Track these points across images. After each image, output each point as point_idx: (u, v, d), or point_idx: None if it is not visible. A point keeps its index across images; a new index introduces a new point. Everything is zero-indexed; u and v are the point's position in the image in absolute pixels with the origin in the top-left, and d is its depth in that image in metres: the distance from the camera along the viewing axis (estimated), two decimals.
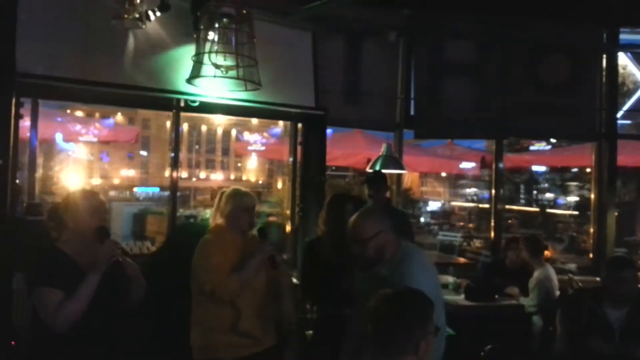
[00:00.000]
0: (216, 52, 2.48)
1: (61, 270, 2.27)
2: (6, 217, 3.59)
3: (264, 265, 2.82)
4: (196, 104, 4.45)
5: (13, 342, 3.70)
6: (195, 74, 2.48)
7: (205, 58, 2.36)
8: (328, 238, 3.27)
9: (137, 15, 3.33)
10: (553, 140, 9.87)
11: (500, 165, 6.29)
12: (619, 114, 6.40)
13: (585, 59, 6.21)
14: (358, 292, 2.58)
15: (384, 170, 5.14)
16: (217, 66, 2.42)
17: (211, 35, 2.42)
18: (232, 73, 2.37)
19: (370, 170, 5.08)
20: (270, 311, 2.91)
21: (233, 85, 2.46)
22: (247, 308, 2.77)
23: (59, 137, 8.00)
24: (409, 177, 13.31)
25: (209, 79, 2.88)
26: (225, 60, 2.48)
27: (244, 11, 2.34)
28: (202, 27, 2.48)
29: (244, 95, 4.15)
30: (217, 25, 2.40)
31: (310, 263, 3.37)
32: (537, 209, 14.19)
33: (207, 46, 2.37)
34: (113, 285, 2.37)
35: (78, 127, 8.16)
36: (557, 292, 4.84)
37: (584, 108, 6.18)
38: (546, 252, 5.30)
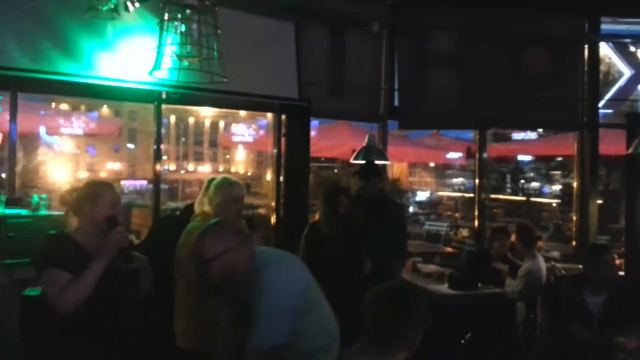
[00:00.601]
0: (178, 43, 2.46)
1: (69, 255, 2.28)
2: None
3: None
4: (177, 96, 4.43)
5: None
6: (157, 65, 2.47)
7: (170, 50, 2.35)
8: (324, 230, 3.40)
9: (112, 7, 3.29)
10: (539, 130, 9.95)
11: (484, 155, 6.33)
12: (601, 104, 6.46)
13: (567, 50, 6.25)
14: (223, 321, 2.33)
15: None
16: (179, 57, 2.41)
17: (176, 26, 2.40)
18: (196, 66, 2.36)
19: (362, 162, 5.09)
20: None
21: (198, 78, 2.46)
22: None
23: (42, 130, 7.91)
24: (398, 168, 13.34)
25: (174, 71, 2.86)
26: (188, 52, 2.46)
27: (207, 2, 2.32)
28: (166, 18, 2.47)
29: (226, 87, 4.14)
30: (179, 16, 2.39)
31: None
32: (522, 198, 14.32)
33: (170, 38, 2.36)
34: (121, 276, 2.36)
35: (62, 120, 8.08)
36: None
37: (566, 98, 6.23)
38: (539, 243, 5.31)
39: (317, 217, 3.89)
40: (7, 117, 4.41)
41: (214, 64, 2.51)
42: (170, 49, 2.44)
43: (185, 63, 2.45)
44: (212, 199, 2.88)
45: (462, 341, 3.40)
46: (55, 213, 4.40)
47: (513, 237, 5.08)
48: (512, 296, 4.71)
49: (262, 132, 11.24)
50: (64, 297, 2.18)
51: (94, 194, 2.38)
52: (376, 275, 3.36)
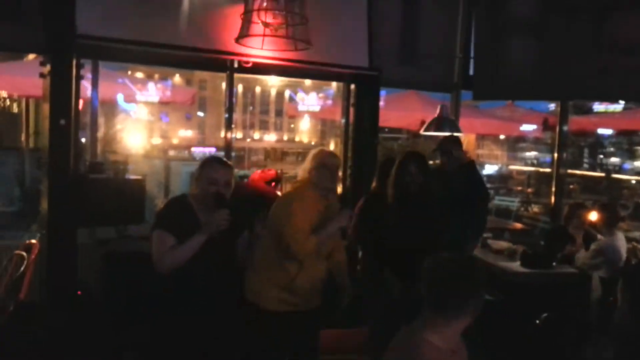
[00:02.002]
0: (265, 9, 2.42)
1: (179, 219, 2.47)
2: (69, 175, 3.74)
3: (337, 233, 2.88)
4: (249, 65, 4.45)
5: (79, 292, 3.93)
6: (244, 33, 2.44)
7: (255, 17, 2.31)
8: (392, 200, 3.30)
9: None
10: (623, 102, 9.28)
11: (565, 127, 5.99)
12: None
13: None
14: None
15: (438, 133, 5.02)
16: (266, 24, 2.36)
17: None
18: (282, 32, 2.32)
19: (434, 133, 4.96)
20: (322, 275, 2.97)
21: (283, 45, 2.42)
22: (308, 268, 2.83)
23: (120, 97, 8.23)
24: (465, 139, 12.93)
25: (258, 38, 2.83)
26: (274, 18, 2.42)
27: None
28: None
29: (296, 55, 4.11)
30: None
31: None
32: (601, 174, 13.56)
33: (257, 3, 2.32)
34: (221, 247, 2.51)
35: (138, 88, 8.36)
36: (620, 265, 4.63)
37: None
38: (622, 225, 4.98)
39: (374, 185, 3.77)
40: (88, 84, 4.61)
41: (300, 30, 2.47)
42: (257, 16, 2.42)
43: (271, 30, 2.42)
44: (306, 166, 2.94)
45: (537, 321, 3.28)
46: (134, 177, 4.60)
47: (594, 215, 4.82)
48: (582, 267, 4.53)
49: (329, 101, 11.18)
50: (164, 260, 2.39)
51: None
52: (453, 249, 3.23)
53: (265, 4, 2.30)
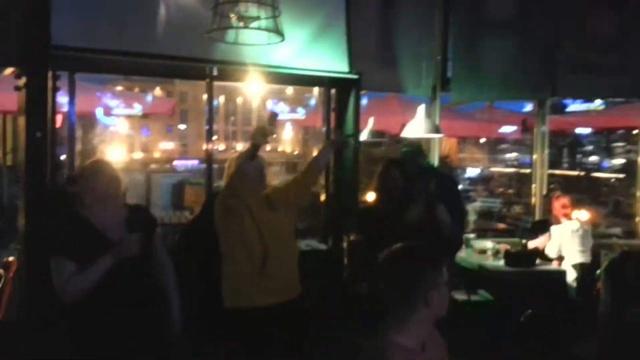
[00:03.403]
0: (236, 0, 2.41)
1: (81, 239, 2.28)
2: (46, 188, 3.68)
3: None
4: (228, 72, 4.44)
5: None
6: (215, 26, 2.43)
7: (226, 9, 2.31)
8: (381, 205, 3.32)
9: None
10: (599, 101, 9.43)
11: (543, 128, 6.06)
12: None
13: (635, 13, 5.84)
14: None
15: (419, 136, 5.06)
16: (239, 17, 2.36)
17: None
18: (255, 25, 2.32)
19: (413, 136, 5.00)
20: (294, 257, 3.02)
21: (256, 39, 2.43)
22: (274, 249, 2.84)
23: (99, 111, 8.16)
24: (447, 144, 13.01)
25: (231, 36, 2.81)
26: (246, 11, 2.42)
27: None
28: None
29: (275, 61, 4.08)
30: None
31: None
32: (580, 173, 13.76)
33: None
34: (137, 270, 2.37)
35: (117, 101, 8.29)
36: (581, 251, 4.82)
37: (634, 65, 5.84)
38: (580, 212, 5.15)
39: (365, 196, 3.86)
40: (65, 97, 4.54)
41: (271, 23, 2.47)
42: (227, 8, 2.41)
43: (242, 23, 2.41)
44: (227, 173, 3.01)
45: (522, 318, 3.29)
46: None
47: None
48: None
49: (308, 109, 11.22)
50: (66, 289, 2.21)
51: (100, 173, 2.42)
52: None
53: None
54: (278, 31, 2.50)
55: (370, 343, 1.68)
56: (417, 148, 4.49)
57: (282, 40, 2.62)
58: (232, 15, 2.37)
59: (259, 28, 2.40)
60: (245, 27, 2.45)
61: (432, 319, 1.68)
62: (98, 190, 2.35)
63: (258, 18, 2.40)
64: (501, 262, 4.54)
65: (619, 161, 13.89)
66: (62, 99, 4.36)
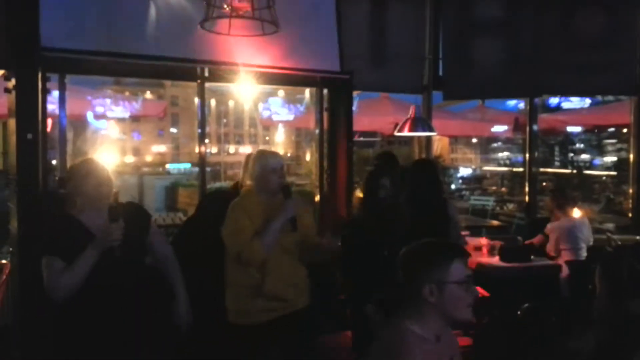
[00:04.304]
0: None
1: (70, 238, 2.26)
2: (38, 190, 3.64)
3: (286, 226, 2.74)
4: (219, 73, 4.42)
5: None
6: (208, 16, 2.41)
7: (219, 1, 2.29)
8: (367, 214, 3.24)
9: None
10: (589, 99, 9.48)
11: (535, 126, 6.09)
12: None
13: (622, 11, 5.90)
14: None
15: (412, 134, 5.07)
16: (232, 8, 2.34)
17: None
18: (248, 14, 2.31)
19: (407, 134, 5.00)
20: (300, 272, 2.89)
21: (250, 30, 2.41)
22: (274, 270, 2.74)
23: (89, 114, 8.10)
24: (439, 144, 13.07)
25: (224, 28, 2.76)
26: (240, 1, 2.40)
27: None
28: None
29: (268, 62, 4.07)
30: None
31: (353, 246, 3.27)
32: (572, 171, 13.84)
33: None
34: (132, 264, 2.36)
35: (108, 103, 8.23)
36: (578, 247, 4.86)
37: (621, 62, 5.90)
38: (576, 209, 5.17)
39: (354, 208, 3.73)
40: (56, 100, 4.50)
41: (265, 13, 2.45)
42: None
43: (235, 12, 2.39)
44: (250, 171, 2.87)
45: (519, 312, 3.30)
46: None
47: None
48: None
49: (300, 110, 11.18)
50: (55, 287, 2.19)
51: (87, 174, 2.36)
52: None
53: None
54: (273, 21, 2.49)
55: (387, 329, 1.73)
56: (391, 156, 4.54)
57: (277, 31, 2.60)
58: (225, 5, 2.35)
59: (251, 17, 2.39)
60: (240, 16, 2.43)
61: (444, 316, 1.68)
62: (89, 190, 2.32)
63: (251, 7, 2.38)
64: (496, 258, 4.56)
65: (610, 159, 13.98)
66: (52, 105, 4.32)
